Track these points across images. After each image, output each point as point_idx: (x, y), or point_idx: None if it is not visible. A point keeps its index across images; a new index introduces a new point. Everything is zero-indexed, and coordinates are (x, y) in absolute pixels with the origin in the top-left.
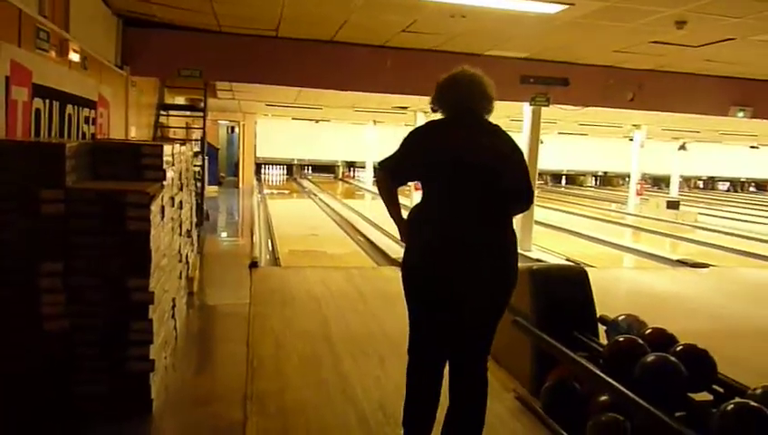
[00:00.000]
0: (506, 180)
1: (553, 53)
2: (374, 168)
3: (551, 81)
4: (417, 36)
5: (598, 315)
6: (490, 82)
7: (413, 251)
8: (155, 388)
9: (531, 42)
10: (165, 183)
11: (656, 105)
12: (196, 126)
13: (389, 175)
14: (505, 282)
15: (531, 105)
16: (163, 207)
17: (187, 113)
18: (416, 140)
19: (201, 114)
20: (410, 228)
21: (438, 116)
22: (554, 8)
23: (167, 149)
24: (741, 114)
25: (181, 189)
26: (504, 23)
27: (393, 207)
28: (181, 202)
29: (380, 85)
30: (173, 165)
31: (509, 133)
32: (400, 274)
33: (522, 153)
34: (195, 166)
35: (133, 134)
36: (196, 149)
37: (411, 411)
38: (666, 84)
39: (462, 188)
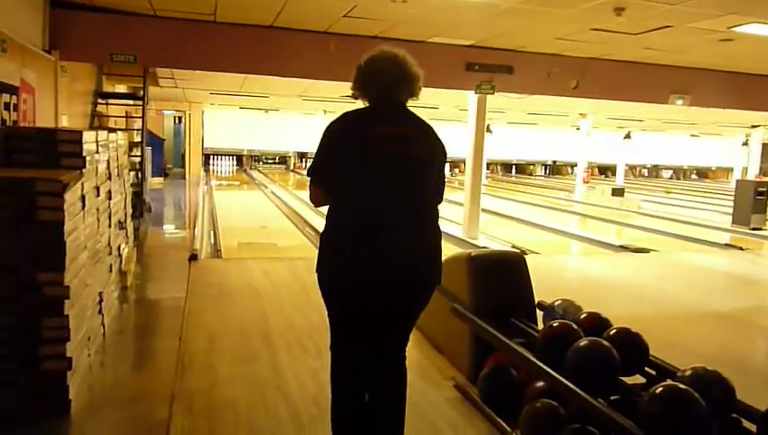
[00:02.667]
0: (431, 176)
1: (498, 40)
2: None
3: (495, 68)
4: (359, 22)
5: (537, 301)
6: (413, 61)
7: (334, 257)
8: (74, 388)
9: (475, 29)
10: (85, 171)
11: (599, 93)
12: (136, 115)
13: (320, 184)
14: (430, 280)
15: (476, 93)
16: (83, 197)
17: (128, 102)
18: (333, 136)
19: (141, 103)
20: (330, 233)
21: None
22: None
23: (88, 135)
24: (680, 102)
25: (110, 179)
26: (446, 9)
27: None
28: (110, 192)
29: (324, 72)
30: (97, 153)
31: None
32: (317, 277)
33: (446, 159)
34: (134, 156)
35: (65, 123)
36: (137, 139)
37: (341, 412)
38: (608, 72)
39: (385, 181)
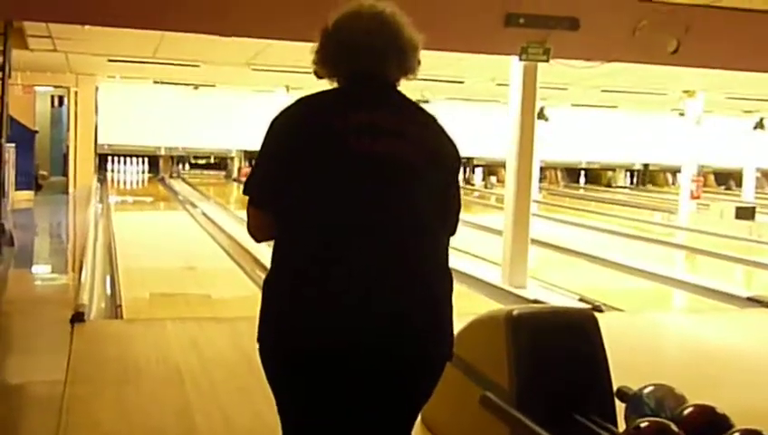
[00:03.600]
0: (434, 191)
1: None
2: None
3: (551, 21)
4: None
5: (615, 387)
6: (407, 20)
7: (283, 317)
8: None
9: None
10: None
11: (711, 59)
12: None
13: (264, 207)
14: (434, 353)
15: (521, 60)
16: None
17: None
18: (283, 133)
19: (0, 75)
20: (277, 280)
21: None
22: None
23: None
24: None
25: None
26: None
27: None
28: None
29: (284, 28)
30: None
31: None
32: (259, 347)
33: (459, 167)
34: None
35: None
36: None
37: None
38: (726, 28)
39: (362, 198)
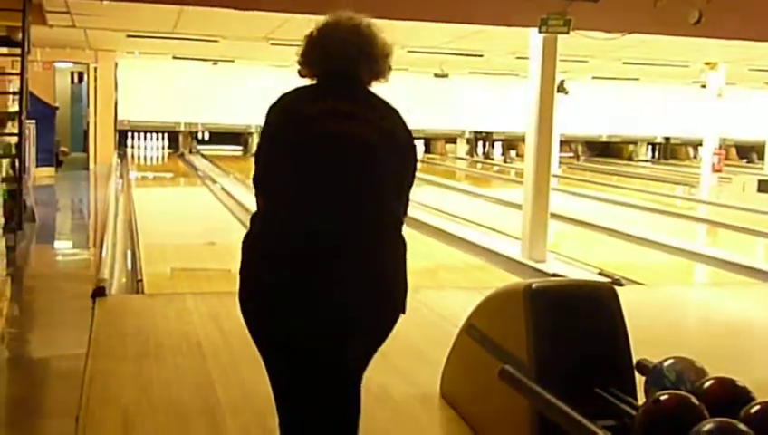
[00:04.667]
0: (389, 173)
1: None
2: None
3: None
4: None
5: (635, 360)
6: (381, 33)
7: (247, 279)
8: None
9: None
10: None
11: (734, 30)
12: (12, 72)
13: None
14: (381, 311)
15: (541, 32)
16: None
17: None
18: (269, 125)
19: (19, 51)
20: (246, 246)
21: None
22: None
23: None
24: None
25: None
26: None
27: None
28: None
29: (303, 2)
30: None
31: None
32: (240, 308)
33: (415, 158)
34: (8, 134)
35: None
36: (14, 107)
37: None
38: None
39: (321, 173)
